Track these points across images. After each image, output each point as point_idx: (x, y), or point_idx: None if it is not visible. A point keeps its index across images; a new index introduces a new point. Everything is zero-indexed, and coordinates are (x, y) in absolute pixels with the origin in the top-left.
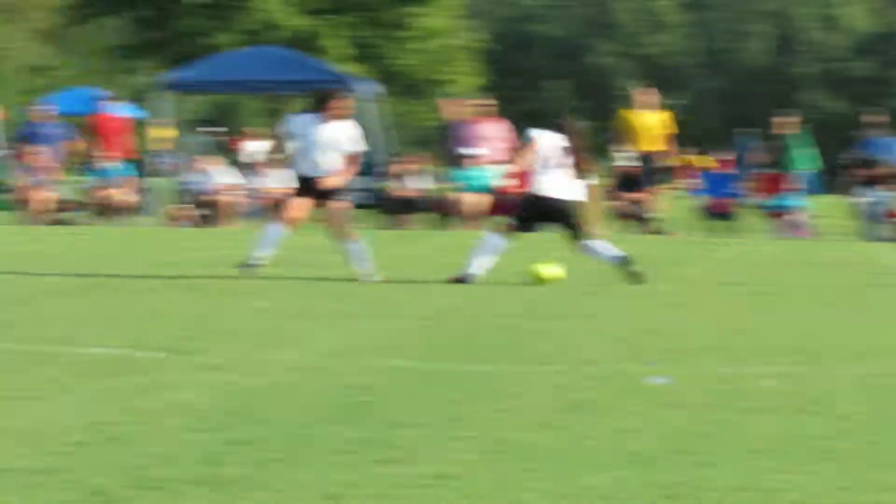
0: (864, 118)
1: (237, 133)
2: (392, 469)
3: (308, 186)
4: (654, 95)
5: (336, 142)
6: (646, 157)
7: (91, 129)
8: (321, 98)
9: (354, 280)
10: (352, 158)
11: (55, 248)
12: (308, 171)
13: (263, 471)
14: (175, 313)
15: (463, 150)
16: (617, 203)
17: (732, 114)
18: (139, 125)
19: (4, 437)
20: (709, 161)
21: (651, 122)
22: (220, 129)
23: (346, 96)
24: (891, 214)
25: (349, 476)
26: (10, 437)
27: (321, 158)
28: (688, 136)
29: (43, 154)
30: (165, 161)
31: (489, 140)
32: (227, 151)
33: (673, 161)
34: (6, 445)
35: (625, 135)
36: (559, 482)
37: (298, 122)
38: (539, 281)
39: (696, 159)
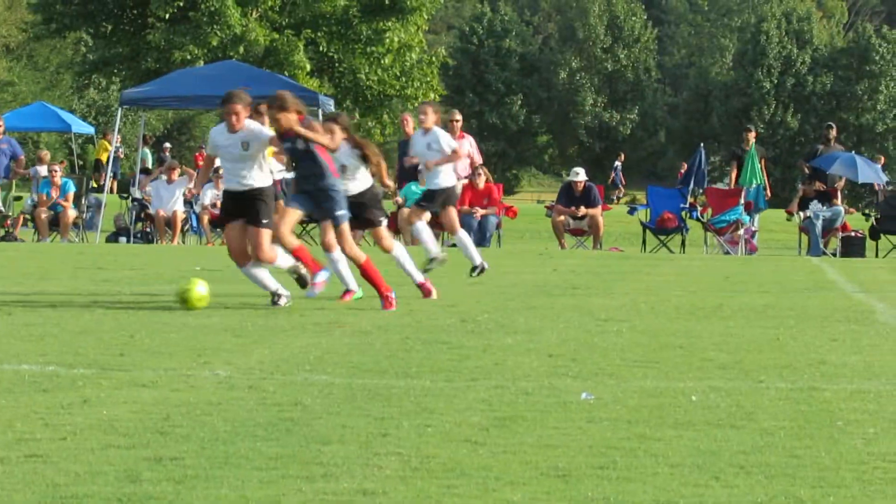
0: (822, 133)
1: (200, 148)
2: (313, 485)
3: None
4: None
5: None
6: None
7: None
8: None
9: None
10: None
11: None
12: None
13: (183, 487)
14: (107, 330)
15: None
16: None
17: (690, 128)
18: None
19: None
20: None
21: None
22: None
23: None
24: (842, 229)
25: (269, 492)
26: None
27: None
28: (645, 148)
29: None
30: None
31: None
32: (191, 165)
33: None
34: None
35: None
36: (478, 498)
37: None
38: (191, 304)
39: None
